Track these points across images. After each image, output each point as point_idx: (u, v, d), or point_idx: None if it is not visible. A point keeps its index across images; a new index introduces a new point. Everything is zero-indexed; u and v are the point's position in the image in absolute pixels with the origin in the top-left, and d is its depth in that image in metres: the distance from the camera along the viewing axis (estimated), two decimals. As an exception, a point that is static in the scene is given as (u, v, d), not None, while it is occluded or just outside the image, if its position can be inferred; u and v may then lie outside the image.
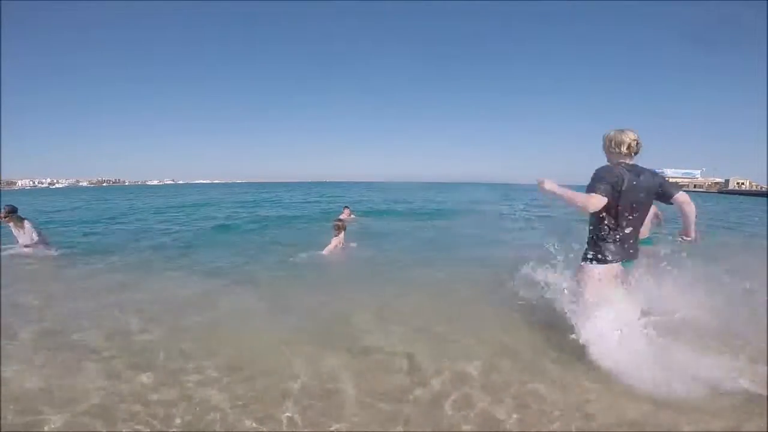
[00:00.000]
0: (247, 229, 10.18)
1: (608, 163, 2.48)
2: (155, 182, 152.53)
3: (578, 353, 2.51)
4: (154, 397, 2.22)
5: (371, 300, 3.85)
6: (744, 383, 2.19)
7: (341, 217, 9.05)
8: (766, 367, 2.30)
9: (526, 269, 4.13)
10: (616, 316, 2.45)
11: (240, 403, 2.16)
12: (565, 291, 2.84)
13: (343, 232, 6.03)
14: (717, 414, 2.06)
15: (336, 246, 5.92)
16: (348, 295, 4.06)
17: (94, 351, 2.78)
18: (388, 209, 15.80)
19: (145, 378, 2.41)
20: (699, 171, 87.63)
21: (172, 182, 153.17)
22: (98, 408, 2.14)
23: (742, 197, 40.07)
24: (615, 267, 2.49)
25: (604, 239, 2.48)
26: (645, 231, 5.64)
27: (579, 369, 2.41)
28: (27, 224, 5.82)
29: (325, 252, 5.90)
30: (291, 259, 5.99)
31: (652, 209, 5.07)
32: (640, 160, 2.52)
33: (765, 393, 2.15)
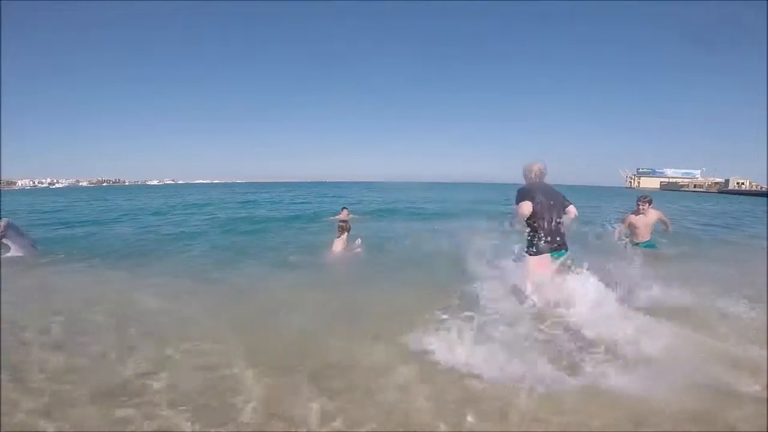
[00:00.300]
0: (247, 230, 10.18)
1: (525, 184, 3.53)
2: (155, 182, 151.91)
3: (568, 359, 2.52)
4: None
5: (369, 301, 3.86)
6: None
7: (339, 217, 9.05)
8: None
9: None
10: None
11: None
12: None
13: (346, 234, 6.04)
14: (717, 414, 2.07)
15: (340, 247, 5.93)
16: (346, 296, 4.08)
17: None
18: (388, 209, 15.80)
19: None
20: (699, 171, 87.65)
21: (172, 182, 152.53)
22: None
23: (742, 197, 40.06)
24: (545, 257, 3.37)
25: (534, 237, 3.38)
26: (647, 235, 5.68)
27: (569, 382, 2.38)
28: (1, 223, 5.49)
29: (329, 253, 5.90)
30: (291, 259, 5.99)
31: (663, 218, 5.37)
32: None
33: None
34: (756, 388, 2.24)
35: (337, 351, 2.80)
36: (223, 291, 4.44)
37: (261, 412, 2.14)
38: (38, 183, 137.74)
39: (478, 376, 2.41)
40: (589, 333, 2.83)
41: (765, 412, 2.05)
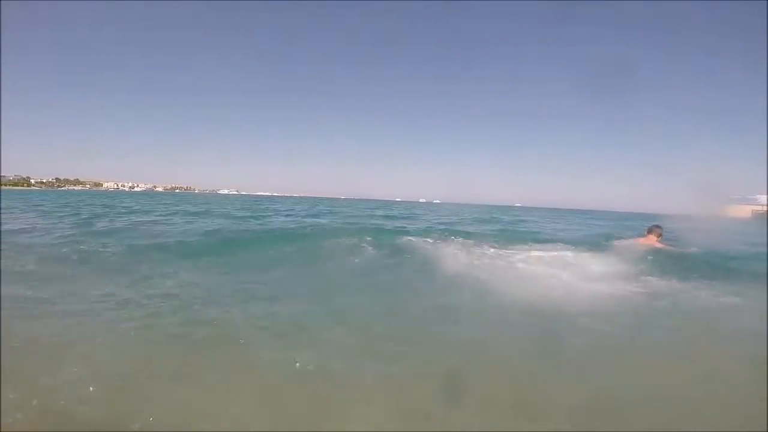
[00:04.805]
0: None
1: None
2: (225, 191, 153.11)
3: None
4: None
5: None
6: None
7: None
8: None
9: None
10: None
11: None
12: None
13: None
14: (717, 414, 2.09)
15: None
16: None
17: None
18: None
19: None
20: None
21: (236, 192, 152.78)
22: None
23: None
24: None
25: None
26: None
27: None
28: None
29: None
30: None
31: None
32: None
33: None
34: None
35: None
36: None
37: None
38: (120, 186, 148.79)
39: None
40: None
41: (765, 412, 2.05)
